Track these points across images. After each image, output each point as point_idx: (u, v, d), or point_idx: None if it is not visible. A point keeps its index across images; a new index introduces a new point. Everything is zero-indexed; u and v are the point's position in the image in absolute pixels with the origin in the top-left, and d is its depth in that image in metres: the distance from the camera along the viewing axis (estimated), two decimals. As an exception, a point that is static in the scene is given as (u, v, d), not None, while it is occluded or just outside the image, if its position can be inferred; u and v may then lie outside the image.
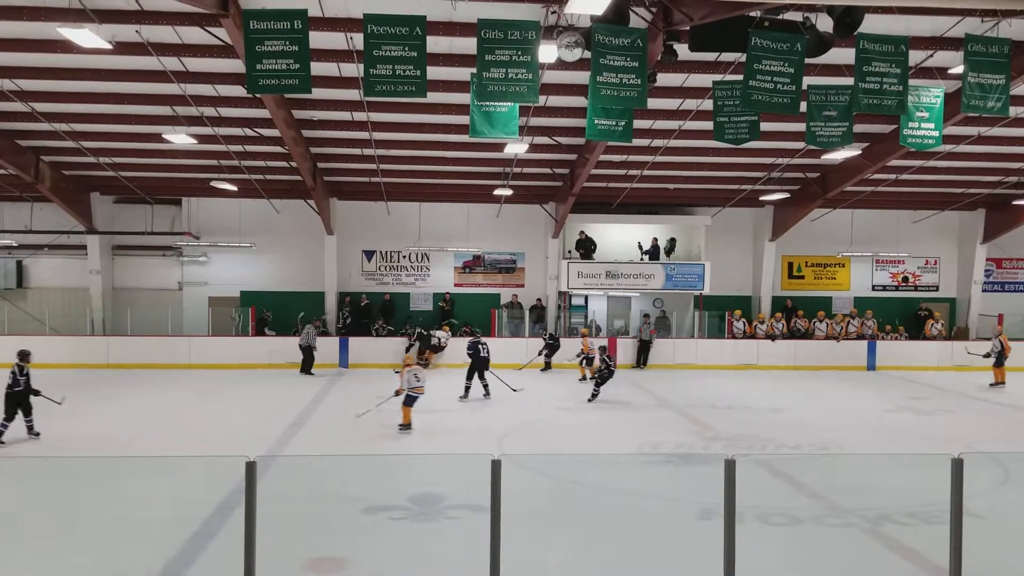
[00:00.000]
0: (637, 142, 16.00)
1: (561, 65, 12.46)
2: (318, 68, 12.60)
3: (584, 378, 19.21)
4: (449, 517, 8.50)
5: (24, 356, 12.25)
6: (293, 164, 19.15)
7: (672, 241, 23.91)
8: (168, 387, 17.57)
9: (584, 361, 19.47)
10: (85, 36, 11.64)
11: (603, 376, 16.20)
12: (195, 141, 17.53)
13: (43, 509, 8.41)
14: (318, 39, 11.98)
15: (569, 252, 23.63)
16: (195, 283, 23.67)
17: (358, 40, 11.90)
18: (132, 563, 7.22)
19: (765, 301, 24.44)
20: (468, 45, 12.65)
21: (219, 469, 9.34)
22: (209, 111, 16.33)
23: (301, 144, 18.44)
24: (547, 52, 11.15)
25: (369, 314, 22.91)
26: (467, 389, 16.46)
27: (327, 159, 20.50)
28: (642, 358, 22.21)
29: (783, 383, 19.68)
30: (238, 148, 18.59)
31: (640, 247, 23.42)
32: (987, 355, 19.75)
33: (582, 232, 23.37)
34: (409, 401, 12.96)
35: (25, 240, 22.73)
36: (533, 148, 18.39)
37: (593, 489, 9.74)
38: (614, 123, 12.86)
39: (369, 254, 24.08)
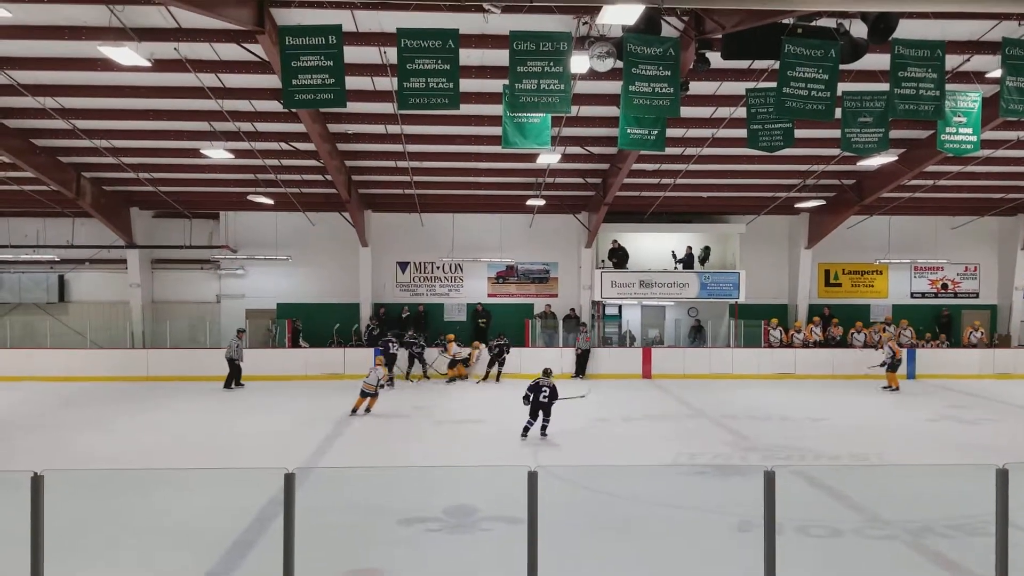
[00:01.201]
0: (670, 151, 15.95)
1: (593, 75, 12.46)
2: (352, 82, 12.74)
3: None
4: (483, 529, 8.49)
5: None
6: (328, 177, 19.37)
7: (706, 250, 23.76)
8: (207, 399, 17.79)
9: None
10: (125, 54, 11.88)
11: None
12: (232, 156, 17.81)
13: (88, 521, 8.54)
14: (352, 54, 12.14)
15: (602, 262, 23.57)
16: (233, 296, 23.99)
17: (391, 54, 12.05)
18: (172, 573, 7.31)
19: (802, 309, 24.16)
20: (500, 57, 12.71)
21: (258, 480, 9.43)
22: (246, 126, 16.58)
23: (336, 157, 18.64)
24: (579, 62, 11.18)
25: (407, 325, 22.97)
26: (526, 429, 13.51)
27: (361, 172, 20.69)
28: (580, 368, 21.73)
29: (821, 393, 19.41)
30: (274, 162, 18.85)
31: (674, 256, 23.32)
32: (883, 364, 19.63)
33: (615, 241, 23.31)
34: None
35: (67, 255, 23.25)
36: (565, 158, 18.41)
37: (629, 501, 9.68)
38: (647, 132, 12.85)
39: (403, 265, 24.23)
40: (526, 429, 13.09)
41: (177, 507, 9.06)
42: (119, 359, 21.26)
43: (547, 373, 13.31)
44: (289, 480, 5.02)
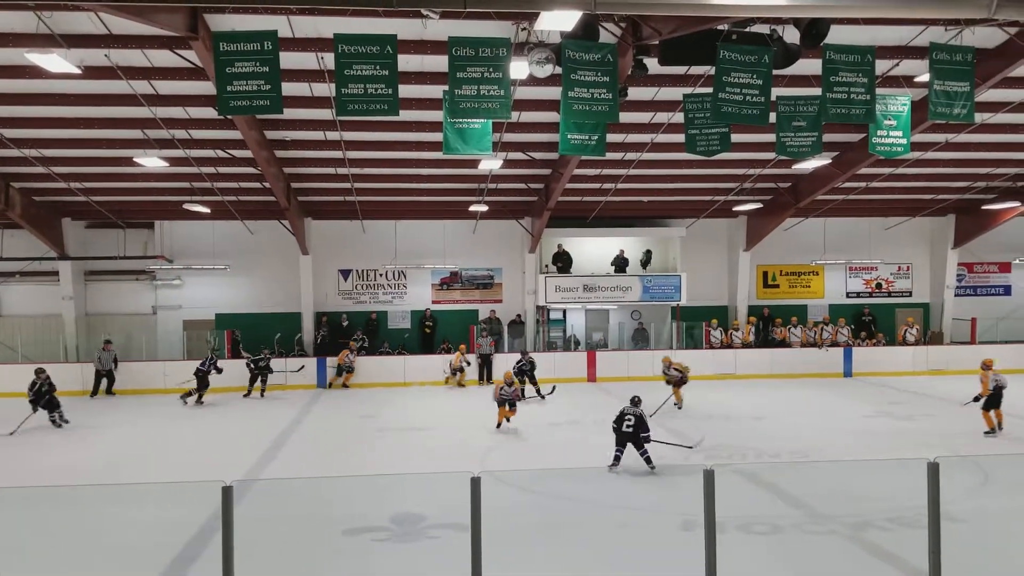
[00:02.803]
0: (610, 156, 16.09)
1: (533, 81, 12.54)
2: (289, 88, 12.59)
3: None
4: (431, 537, 8.44)
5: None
6: (266, 185, 19.07)
7: (648, 253, 24.03)
8: (144, 413, 17.34)
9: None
10: (54, 61, 11.54)
11: None
12: (167, 164, 17.41)
13: (24, 539, 8.25)
14: (289, 59, 11.97)
15: (546, 266, 23.67)
16: (169, 307, 23.45)
17: (329, 60, 11.90)
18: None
19: (741, 310, 24.61)
20: (440, 63, 12.70)
21: (197, 495, 9.22)
22: (180, 134, 16.25)
23: (274, 164, 18.37)
24: (518, 68, 11.21)
25: (349, 334, 22.74)
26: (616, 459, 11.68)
27: (301, 179, 20.43)
28: (485, 372, 21.65)
29: (761, 391, 19.77)
30: (211, 170, 18.49)
31: (613, 261, 23.54)
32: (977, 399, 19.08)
33: (559, 246, 23.44)
34: None
35: (-5, 268, 22.44)
36: (507, 164, 18.46)
37: (575, 503, 9.72)
38: (587, 137, 12.92)
39: (345, 273, 23.98)
40: (616, 459, 11.48)
41: (115, 524, 8.80)
42: (53, 373, 20.42)
43: (635, 402, 11.77)
44: (227, 493, 4.91)
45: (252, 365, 19.57)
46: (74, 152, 17.68)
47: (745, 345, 23.11)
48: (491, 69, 10.65)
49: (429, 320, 23.61)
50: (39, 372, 15.96)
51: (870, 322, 24.79)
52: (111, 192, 20.61)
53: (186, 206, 20.68)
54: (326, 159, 18.69)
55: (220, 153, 17.49)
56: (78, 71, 12.28)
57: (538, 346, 23.28)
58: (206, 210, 21.06)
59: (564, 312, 24.56)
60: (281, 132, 17.08)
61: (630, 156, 18.19)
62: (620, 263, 23.52)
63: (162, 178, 19.32)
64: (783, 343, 23.42)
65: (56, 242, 21.81)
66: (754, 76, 10.96)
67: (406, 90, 12.21)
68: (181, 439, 14.75)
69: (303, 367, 19.10)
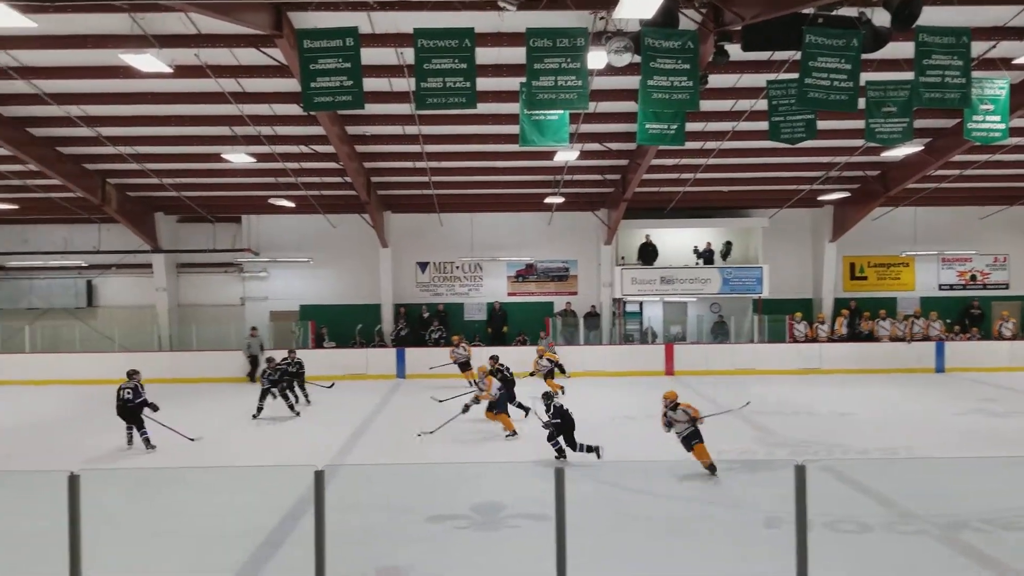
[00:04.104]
0: (689, 145, 15.84)
1: (611, 70, 12.45)
2: (370, 84, 12.77)
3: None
4: (511, 526, 8.49)
5: (132, 374, 13.18)
6: (348, 179, 19.44)
7: (728, 244, 23.60)
8: (234, 400, 17.86)
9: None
10: (146, 61, 11.97)
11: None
12: (253, 160, 17.91)
13: (122, 520, 8.62)
14: (369, 55, 12.15)
15: (622, 258, 23.49)
16: (256, 298, 24.14)
17: (408, 55, 12.06)
18: (203, 571, 7.36)
19: (827, 303, 23.93)
20: (517, 55, 12.68)
21: (287, 479, 9.49)
22: (266, 130, 16.68)
23: (355, 159, 18.71)
24: (596, 58, 11.15)
25: (427, 325, 23.05)
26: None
27: (380, 173, 20.75)
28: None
29: (848, 387, 19.21)
30: (294, 165, 18.94)
31: (696, 251, 23.20)
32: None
33: (647, 237, 23.18)
34: None
35: (94, 260, 23.52)
36: (584, 155, 18.35)
37: (655, 497, 9.64)
38: (666, 127, 12.78)
39: (423, 265, 24.27)
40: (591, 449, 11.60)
41: (208, 506, 9.12)
42: (146, 362, 21.37)
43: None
44: (319, 477, 5.04)
45: (274, 375, 15.87)
46: (165, 149, 18.35)
47: (831, 339, 22.48)
48: (569, 59, 10.63)
49: (499, 311, 23.70)
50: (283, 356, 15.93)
51: (978, 316, 23.75)
52: (201, 187, 21.33)
53: (271, 201, 21.28)
54: (405, 153, 18.94)
55: (303, 149, 17.90)
56: (169, 70, 12.70)
57: (614, 339, 23.13)
58: (290, 204, 21.61)
59: (641, 305, 24.34)
60: (361, 127, 17.38)
61: (710, 145, 17.88)
62: (705, 255, 23.15)
63: (249, 174, 19.89)
64: (870, 337, 22.68)
65: (150, 236, 22.70)
66: (842, 60, 10.64)
67: (483, 83, 12.26)
68: (263, 426, 15.14)
69: (333, 384, 17.96)
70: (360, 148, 18.60)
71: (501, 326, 23.42)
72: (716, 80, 14.15)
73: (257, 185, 20.97)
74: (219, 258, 23.76)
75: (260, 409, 15.59)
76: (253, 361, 21.03)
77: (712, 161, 18.84)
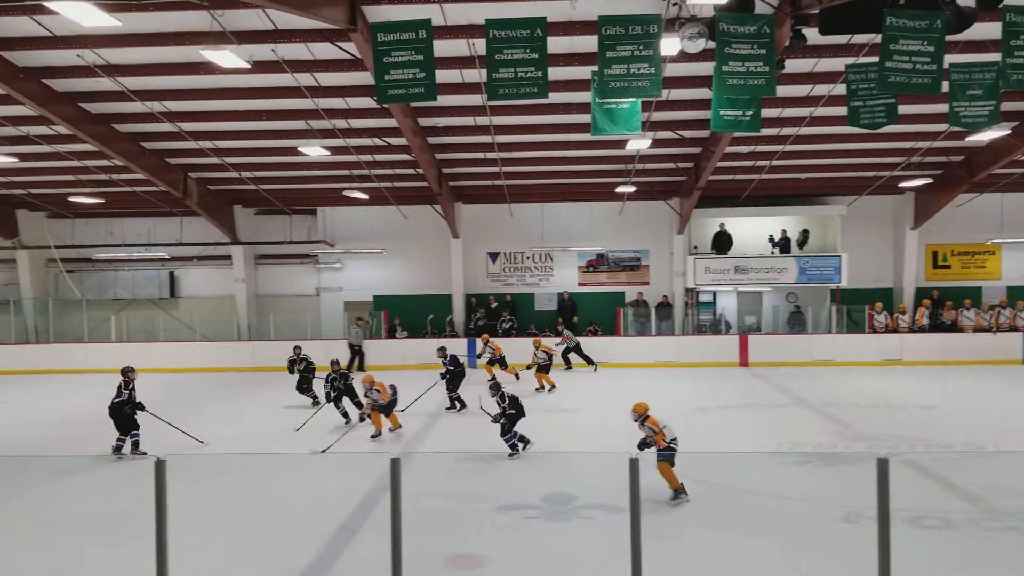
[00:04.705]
0: (765, 132, 15.53)
1: (684, 57, 12.26)
2: (442, 76, 12.85)
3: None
4: (583, 517, 8.49)
5: (127, 372, 12.15)
6: (419, 171, 19.65)
7: (805, 233, 23.06)
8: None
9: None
10: (226, 57, 12.30)
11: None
12: (328, 153, 18.26)
13: (205, 505, 8.93)
14: (441, 47, 12.25)
15: (695, 247, 23.18)
16: (331, 289, 24.63)
17: (480, 46, 12.11)
18: (283, 556, 7.57)
19: (908, 292, 23.18)
20: (588, 43, 12.61)
21: (363, 465, 9.69)
22: (340, 123, 16.97)
23: (427, 151, 18.89)
24: (669, 45, 11.00)
25: (497, 315, 23.21)
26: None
27: (451, 164, 20.91)
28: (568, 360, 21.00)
29: (931, 379, 18.61)
30: (368, 158, 19.23)
31: (771, 240, 22.74)
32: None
33: (721, 225, 22.84)
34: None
35: (176, 252, 24.32)
36: (656, 143, 18.15)
37: (730, 490, 9.51)
38: (741, 113, 12.57)
39: (494, 256, 24.39)
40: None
41: (286, 491, 9.36)
42: (227, 351, 22.14)
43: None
44: (395, 464, 5.13)
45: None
46: (244, 143, 18.83)
47: (912, 330, 21.79)
48: (641, 47, 10.53)
49: (568, 301, 23.64)
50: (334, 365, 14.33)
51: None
52: (277, 180, 21.86)
53: (345, 193, 21.66)
54: (476, 144, 19.04)
55: (377, 141, 18.16)
56: (248, 66, 13.03)
57: (686, 329, 22.86)
58: (364, 196, 21.97)
59: (714, 294, 23.99)
60: (433, 119, 17.53)
61: (786, 131, 17.49)
62: (781, 243, 22.67)
63: (324, 166, 20.28)
64: (954, 327, 21.89)
65: (229, 228, 23.36)
66: (925, 43, 10.27)
67: (554, 72, 12.24)
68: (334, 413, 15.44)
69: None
70: (432, 139, 18.78)
71: (571, 316, 23.37)
72: (793, 65, 13.81)
73: (331, 178, 21.36)
74: (295, 250, 24.30)
75: (346, 414, 14.24)
76: (357, 351, 21.42)
77: (788, 148, 18.43)
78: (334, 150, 18.30)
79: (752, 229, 23.25)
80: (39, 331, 24.33)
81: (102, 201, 22.70)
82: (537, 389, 17.20)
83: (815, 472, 10.58)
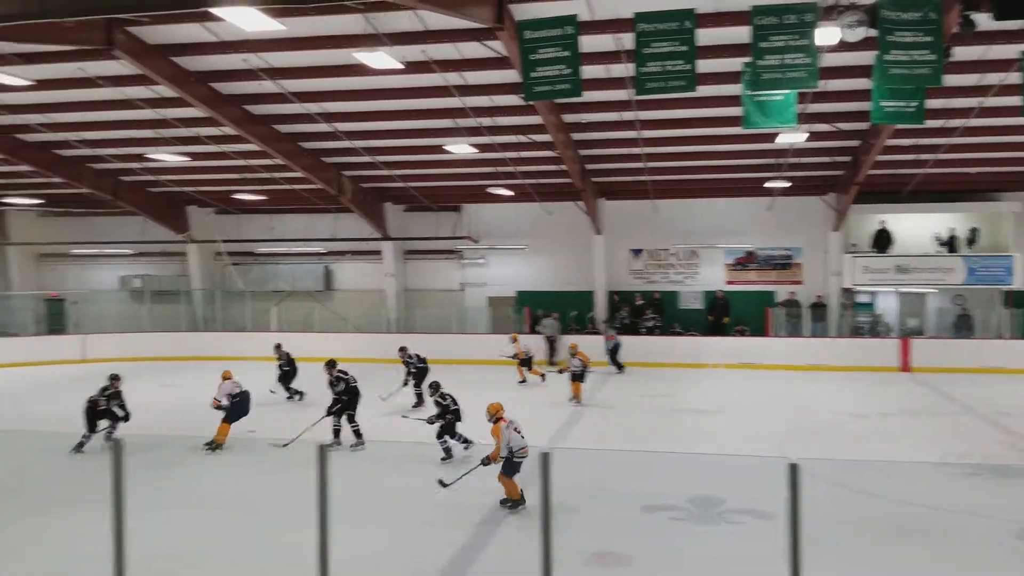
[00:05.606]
0: (929, 123, 14.47)
1: (842, 46, 11.67)
2: (587, 71, 12.77)
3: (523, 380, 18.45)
4: (732, 522, 8.26)
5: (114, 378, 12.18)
6: (563, 167, 19.69)
7: (974, 231, 21.53)
8: (457, 380, 18.47)
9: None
10: (379, 59, 12.73)
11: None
12: (474, 150, 18.60)
13: (361, 489, 9.29)
14: (587, 42, 12.16)
15: (853, 245, 22.07)
16: (475, 284, 25.09)
17: (627, 40, 11.97)
18: (433, 544, 7.76)
19: (1093, 296, 21.22)
20: (739, 34, 12.20)
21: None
22: (486, 121, 17.23)
23: (571, 147, 18.90)
24: (827, 34, 10.51)
25: (640, 313, 22.92)
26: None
27: (595, 160, 20.83)
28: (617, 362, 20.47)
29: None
30: (512, 155, 19.44)
31: (938, 239, 21.35)
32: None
33: (882, 223, 21.67)
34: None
35: (331, 247, 25.48)
36: (810, 136, 17.41)
37: (892, 502, 9.00)
38: (904, 104, 11.95)
39: (637, 252, 24.10)
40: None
41: (430, 482, 9.55)
42: (377, 342, 22.91)
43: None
44: (545, 459, 5.16)
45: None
46: (394, 142, 19.48)
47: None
48: (797, 36, 10.16)
49: (722, 300, 23.01)
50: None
51: None
52: (425, 178, 22.47)
53: (490, 189, 21.99)
54: (620, 140, 18.87)
55: (521, 138, 18.33)
56: (400, 66, 13.43)
57: (842, 331, 21.82)
58: (508, 193, 22.25)
59: (873, 295, 22.76)
60: (577, 115, 17.50)
61: (953, 123, 16.34)
62: (950, 242, 21.26)
63: (469, 164, 20.68)
64: None
65: (379, 224, 24.24)
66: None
67: (702, 64, 11.92)
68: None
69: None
70: (576, 136, 18.77)
71: (722, 316, 22.72)
72: (960, 53, 12.83)
73: (476, 175, 21.75)
74: (441, 245, 24.92)
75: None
76: (550, 343, 21.78)
77: (956, 140, 17.22)
78: (479, 147, 18.63)
79: (915, 226, 21.92)
80: (206, 320, 26.05)
81: (264, 198, 24.10)
82: (572, 400, 15.76)
83: (984, 485, 9.87)
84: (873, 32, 10.14)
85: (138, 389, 13.11)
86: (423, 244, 25.03)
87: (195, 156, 20.63)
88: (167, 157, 20.55)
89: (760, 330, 22.25)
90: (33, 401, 16.61)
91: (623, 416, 14.86)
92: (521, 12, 12.30)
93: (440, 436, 11.03)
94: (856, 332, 22.10)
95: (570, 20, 10.72)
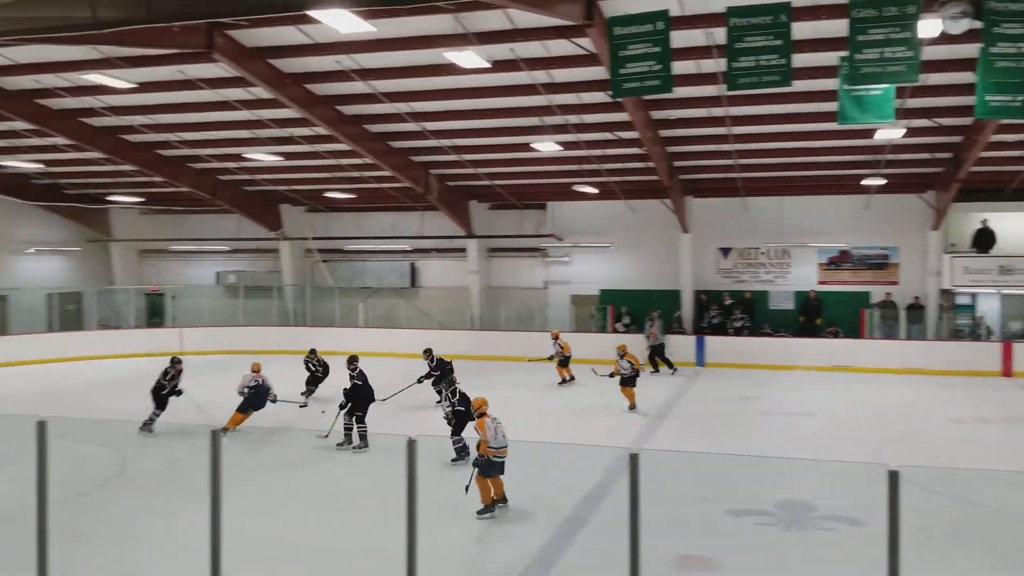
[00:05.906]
0: (1039, 117, 13.83)
1: (944, 39, 11.19)
2: (676, 67, 12.61)
3: (563, 380, 18.30)
4: (823, 528, 8.04)
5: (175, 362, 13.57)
6: (650, 164, 19.48)
7: (1088, 230, 20.38)
8: (538, 379, 18.52)
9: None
10: (468, 58, 12.85)
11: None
12: (560, 148, 18.57)
13: (439, 485, 9.41)
14: (677, 38, 12.00)
15: (953, 245, 21.18)
16: (558, 282, 25.06)
17: (718, 35, 11.75)
18: (507, 544, 7.80)
19: None
20: (835, 27, 11.86)
21: (596, 458, 9.76)
22: (572, 118, 17.18)
23: (658, 144, 18.69)
24: (929, 26, 10.12)
25: (730, 312, 22.46)
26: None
27: (683, 157, 20.54)
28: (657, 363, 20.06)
29: None
30: (598, 152, 19.33)
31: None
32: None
33: (984, 222, 20.75)
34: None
35: (417, 245, 25.87)
36: (909, 132, 16.76)
37: (994, 513, 8.61)
38: (1010, 98, 11.30)
39: (725, 251, 23.65)
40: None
41: (509, 480, 9.59)
42: (461, 339, 23.14)
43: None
44: (634, 460, 5.12)
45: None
46: (480, 141, 19.62)
47: None
48: (897, 28, 9.80)
49: (815, 300, 22.37)
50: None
51: None
52: (510, 176, 22.57)
53: (575, 187, 21.92)
54: (709, 136, 18.55)
55: (608, 135, 18.21)
56: (488, 65, 13.51)
57: (941, 333, 20.96)
58: (594, 191, 22.15)
59: (974, 297, 21.78)
60: (666, 111, 17.29)
61: (1067, 116, 15.50)
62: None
63: (554, 161, 20.65)
64: None
65: (464, 222, 24.47)
66: None
67: (796, 59, 11.61)
68: (563, 404, 15.65)
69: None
70: (664, 132, 18.54)
71: (815, 317, 22.09)
72: (1077, 41, 12.20)
73: (562, 172, 21.70)
74: (525, 243, 24.98)
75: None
76: (659, 346, 21.11)
77: (1069, 134, 16.34)
78: (565, 145, 18.57)
79: (1019, 225, 20.85)
80: (297, 315, 26.78)
81: (353, 196, 24.63)
82: (630, 409, 15.01)
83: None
84: (977, 24, 9.74)
85: (227, 384, 13.57)
86: (507, 242, 25.14)
87: (288, 156, 21.21)
88: (262, 157, 21.21)
89: (854, 332, 21.56)
90: (135, 390, 17.33)
91: (710, 418, 14.62)
92: (611, 8, 12.20)
93: (455, 434, 10.95)
94: (955, 335, 21.19)
95: (662, 15, 10.60)
